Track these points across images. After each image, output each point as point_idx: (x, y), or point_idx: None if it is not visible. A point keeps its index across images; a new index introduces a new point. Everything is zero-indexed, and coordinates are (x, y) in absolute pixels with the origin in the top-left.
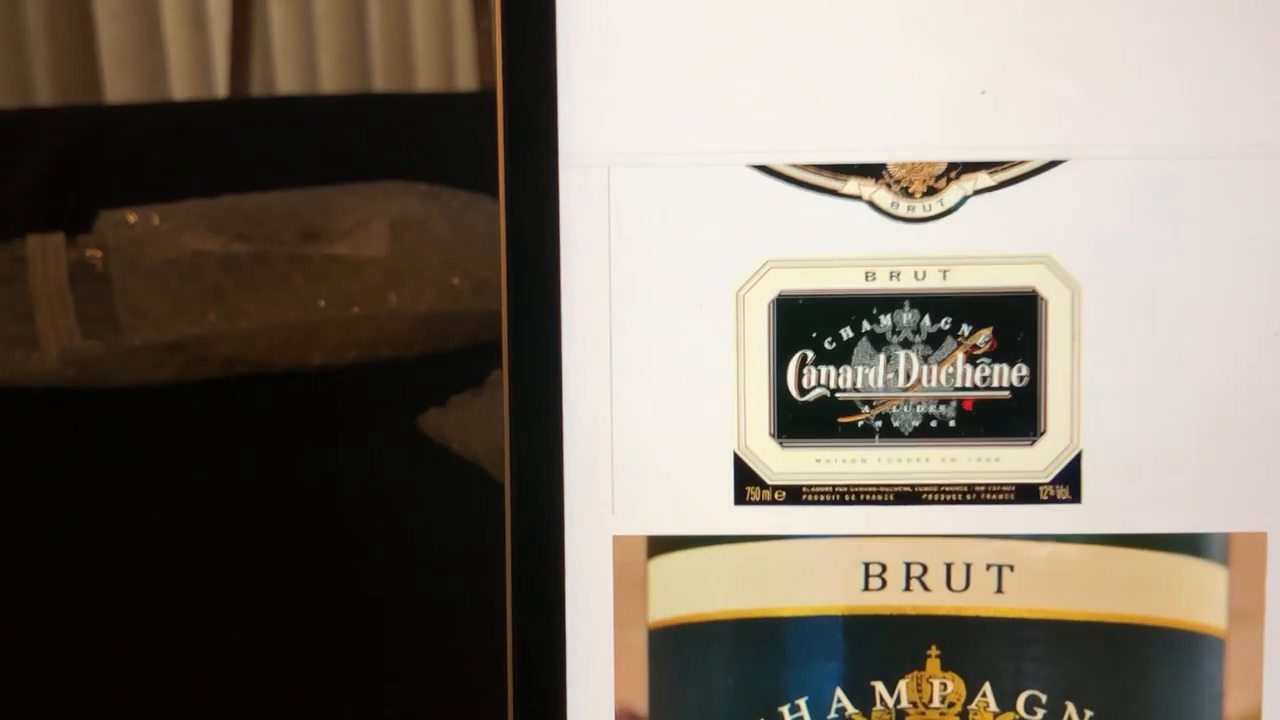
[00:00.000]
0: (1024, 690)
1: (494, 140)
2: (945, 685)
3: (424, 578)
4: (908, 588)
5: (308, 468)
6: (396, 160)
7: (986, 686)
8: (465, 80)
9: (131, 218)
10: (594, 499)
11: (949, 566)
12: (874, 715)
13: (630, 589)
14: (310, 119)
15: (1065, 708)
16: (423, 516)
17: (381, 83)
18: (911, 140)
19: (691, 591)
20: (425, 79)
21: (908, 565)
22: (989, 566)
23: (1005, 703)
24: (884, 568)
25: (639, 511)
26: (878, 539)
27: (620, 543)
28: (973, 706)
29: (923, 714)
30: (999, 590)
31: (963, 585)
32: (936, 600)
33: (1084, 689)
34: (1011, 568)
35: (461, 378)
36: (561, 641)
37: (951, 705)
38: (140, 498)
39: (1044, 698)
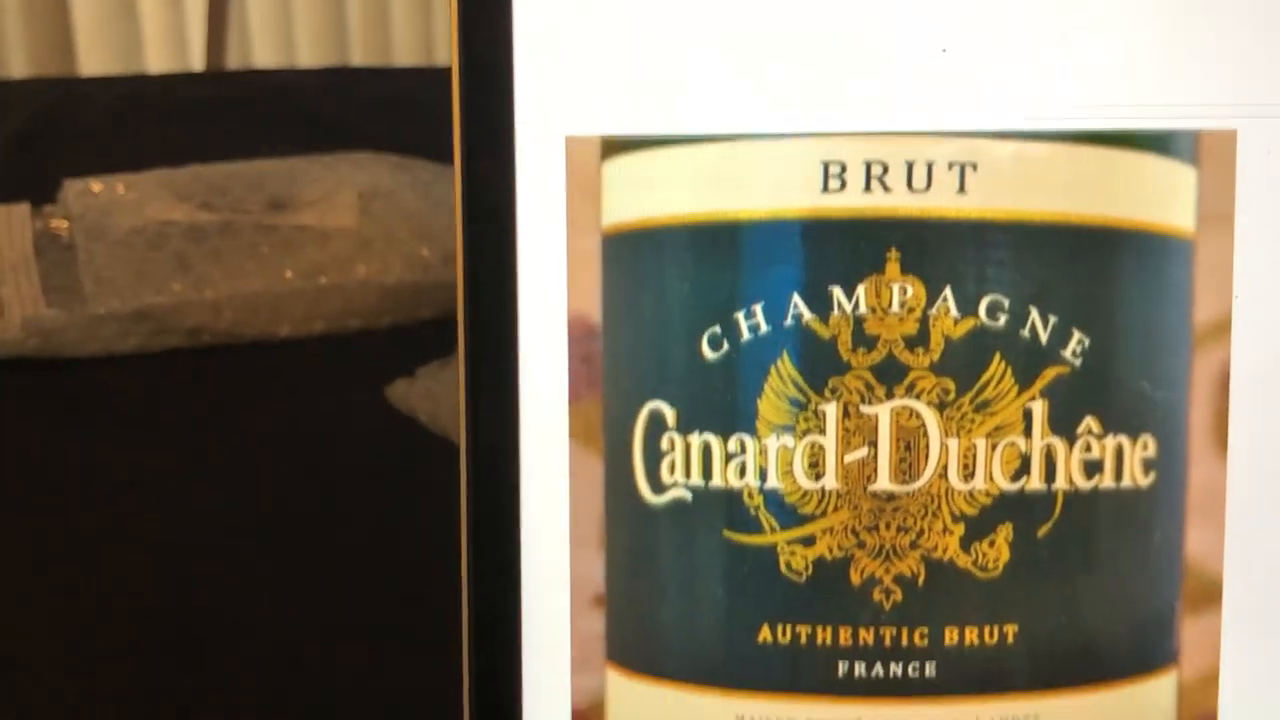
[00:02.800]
0: (986, 294)
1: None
2: (905, 290)
3: (391, 548)
4: (868, 188)
5: (274, 439)
6: (366, 132)
7: (947, 291)
8: (443, 56)
9: (96, 187)
10: (546, 97)
11: (910, 165)
12: (831, 321)
13: (583, 193)
14: (278, 92)
15: (1028, 312)
16: (390, 488)
17: (359, 58)
18: (873, 106)
19: (647, 195)
20: (403, 54)
21: (868, 165)
22: (951, 165)
23: (966, 307)
24: (844, 168)
25: (593, 111)
26: (838, 137)
27: (573, 144)
28: (933, 311)
29: (881, 319)
30: (961, 190)
31: (924, 185)
32: (897, 201)
33: (1048, 293)
34: (975, 166)
35: (429, 349)
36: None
37: (911, 310)
38: (103, 467)
39: (1006, 302)
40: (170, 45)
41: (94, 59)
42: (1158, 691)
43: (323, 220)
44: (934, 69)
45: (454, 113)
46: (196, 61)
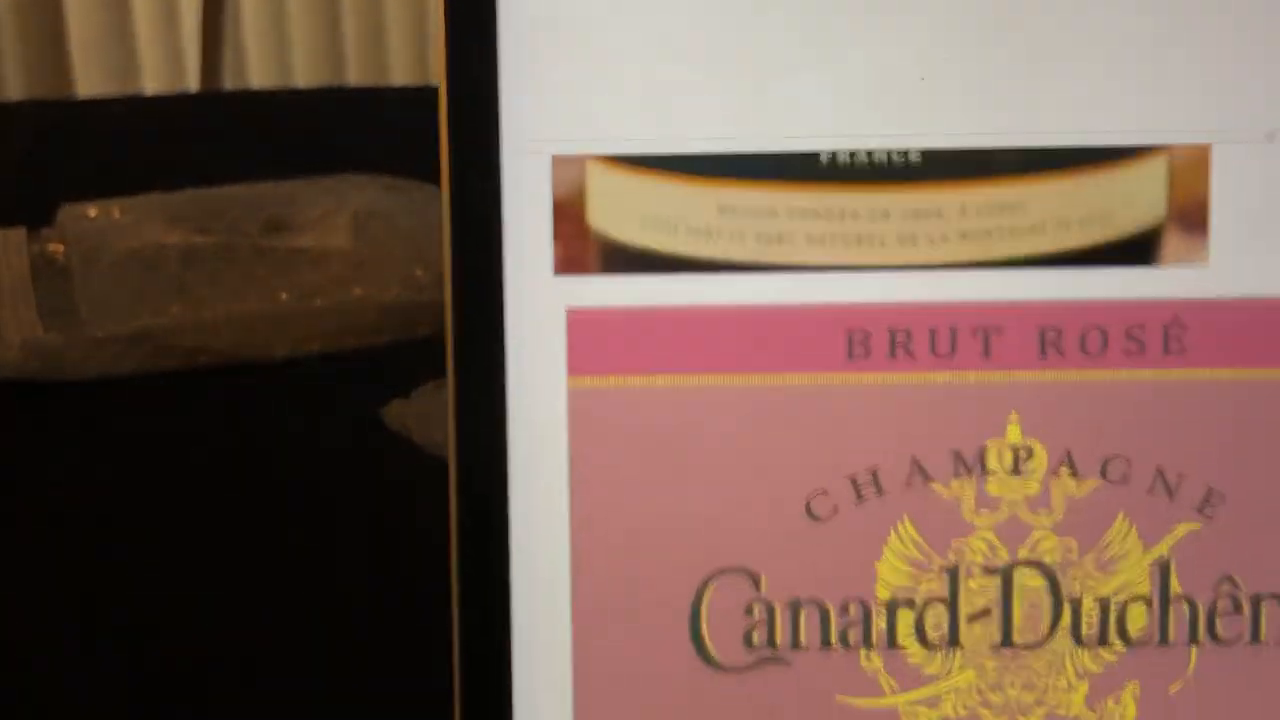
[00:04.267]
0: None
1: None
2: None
3: (386, 569)
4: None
5: (270, 459)
6: (361, 153)
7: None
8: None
9: (92, 211)
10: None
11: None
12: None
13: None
14: (274, 113)
15: None
16: (385, 508)
17: (355, 78)
18: (853, 127)
19: None
20: (399, 74)
21: None
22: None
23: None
24: None
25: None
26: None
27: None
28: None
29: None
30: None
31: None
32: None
33: None
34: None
35: (425, 369)
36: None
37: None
38: (103, 489)
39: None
40: (166, 65)
41: (89, 80)
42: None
43: (319, 242)
44: (911, 94)
45: (441, 134)
46: (192, 81)
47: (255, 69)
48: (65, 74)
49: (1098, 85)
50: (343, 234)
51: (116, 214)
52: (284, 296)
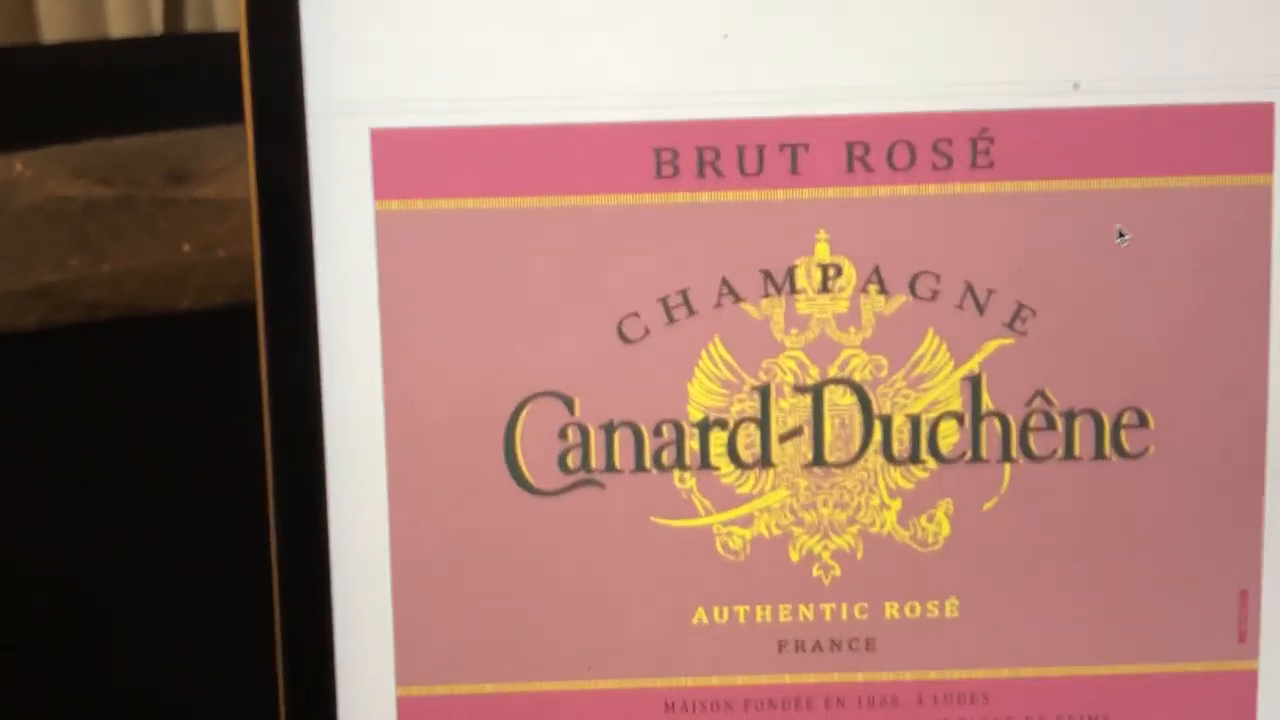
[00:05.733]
0: None
1: None
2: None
3: None
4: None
5: (175, 410)
6: None
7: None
8: None
9: None
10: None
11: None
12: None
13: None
14: (183, 58)
15: None
16: None
17: None
18: (662, 85)
19: None
20: None
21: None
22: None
23: None
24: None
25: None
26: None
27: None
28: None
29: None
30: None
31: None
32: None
33: None
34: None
35: None
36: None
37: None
38: (4, 445)
39: None
40: (130, 7)
41: (54, 25)
42: None
43: (223, 193)
44: (714, 54)
45: (245, 97)
46: (156, 23)
47: (221, 11)
48: (33, 19)
49: (903, 42)
50: (246, 185)
51: (19, 167)
52: (186, 248)
